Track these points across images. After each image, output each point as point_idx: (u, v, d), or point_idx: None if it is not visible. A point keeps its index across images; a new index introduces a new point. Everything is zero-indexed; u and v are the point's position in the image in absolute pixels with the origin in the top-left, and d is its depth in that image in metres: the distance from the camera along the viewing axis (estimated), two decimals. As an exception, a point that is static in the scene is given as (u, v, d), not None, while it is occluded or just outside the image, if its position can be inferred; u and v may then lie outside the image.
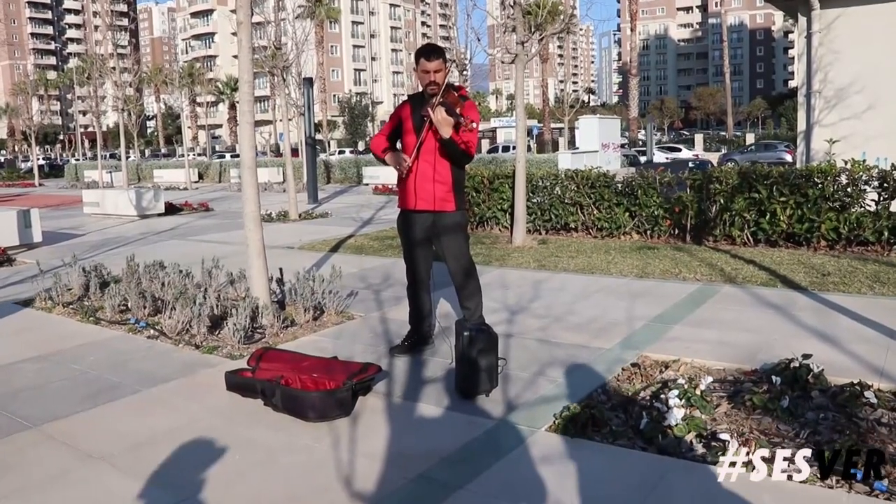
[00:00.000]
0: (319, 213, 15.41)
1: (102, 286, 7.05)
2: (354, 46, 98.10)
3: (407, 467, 3.24)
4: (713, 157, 33.62)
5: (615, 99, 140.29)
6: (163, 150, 72.80)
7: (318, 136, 27.79)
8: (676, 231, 9.63)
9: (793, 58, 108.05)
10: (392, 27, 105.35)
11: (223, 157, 46.07)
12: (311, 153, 18.90)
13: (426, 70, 4.59)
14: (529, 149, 31.84)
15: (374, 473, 3.21)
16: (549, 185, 10.52)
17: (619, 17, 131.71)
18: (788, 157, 30.64)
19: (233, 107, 77.76)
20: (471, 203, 10.91)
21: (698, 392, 3.88)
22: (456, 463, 3.29)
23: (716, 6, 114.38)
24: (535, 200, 10.55)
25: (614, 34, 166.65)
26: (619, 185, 10.04)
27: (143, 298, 6.22)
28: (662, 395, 3.74)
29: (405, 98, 5.08)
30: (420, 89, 4.82)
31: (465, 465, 3.27)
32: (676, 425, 3.53)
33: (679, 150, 39.32)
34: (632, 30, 55.24)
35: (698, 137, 49.29)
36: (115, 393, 4.38)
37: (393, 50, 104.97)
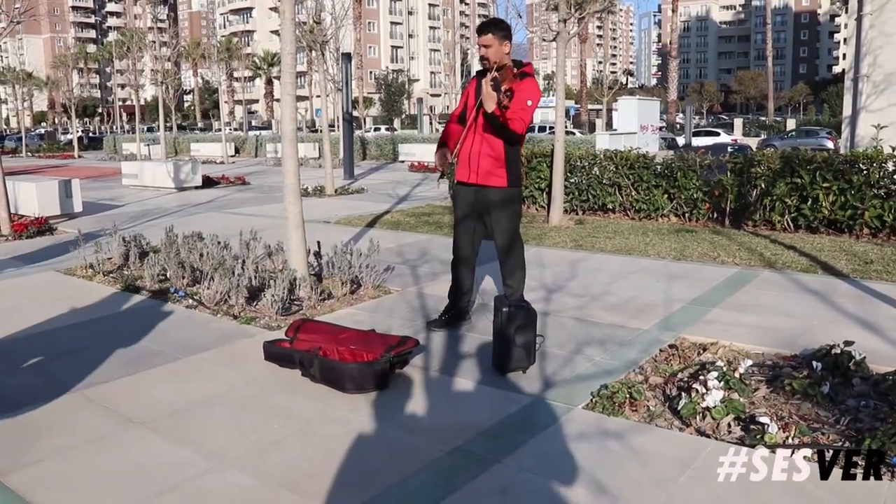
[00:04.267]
0: (355, 189, 15.45)
1: (142, 256, 7.15)
2: (392, 23, 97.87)
3: (444, 440, 3.26)
4: (752, 143, 33.10)
5: (653, 81, 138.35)
6: (199, 125, 73.37)
7: (355, 113, 27.84)
8: (715, 214, 9.50)
9: (838, 42, 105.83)
10: (430, 4, 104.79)
11: (259, 132, 46.38)
12: (349, 129, 18.94)
13: (479, 45, 4.60)
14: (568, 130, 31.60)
15: (411, 445, 3.23)
16: (588, 165, 10.44)
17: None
18: (830, 144, 30.04)
19: (269, 82, 78.09)
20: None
21: (737, 375, 3.83)
22: (493, 437, 3.30)
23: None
24: (572, 180, 10.47)
25: (655, 15, 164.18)
26: (659, 167, 9.92)
27: (182, 269, 6.29)
28: (701, 377, 3.70)
29: (473, 74, 5.09)
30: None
31: (502, 439, 3.28)
32: (715, 407, 3.50)
33: (718, 133, 38.74)
34: (673, 11, 54.41)
35: (737, 122, 48.53)
36: (154, 360, 4.44)
37: (431, 27, 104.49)
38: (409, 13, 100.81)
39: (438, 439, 3.27)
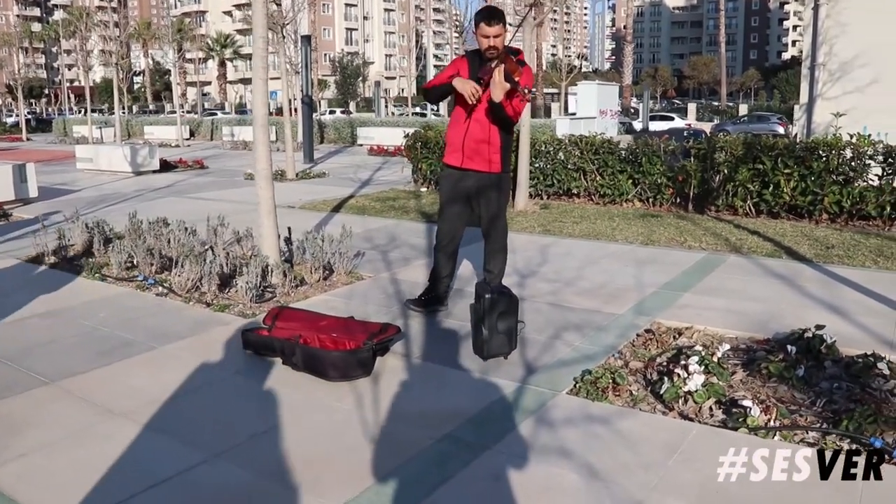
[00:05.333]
0: (317, 173, 15.29)
1: (105, 242, 7.00)
2: (347, 5, 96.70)
3: (433, 427, 3.26)
4: (706, 127, 33.57)
5: (607, 65, 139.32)
6: (151, 107, 71.88)
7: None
8: (678, 200, 9.64)
9: (787, 29, 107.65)
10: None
11: (214, 114, 45.52)
12: (308, 112, 18.71)
13: (486, 35, 4.51)
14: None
15: (400, 433, 3.23)
16: (553, 150, 10.49)
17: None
18: (781, 129, 30.61)
19: (223, 63, 76.82)
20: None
21: (715, 359, 3.90)
22: (481, 424, 3.31)
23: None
24: (537, 165, 10.51)
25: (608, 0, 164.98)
26: (623, 152, 10.01)
27: (151, 255, 6.17)
28: (683, 362, 3.76)
29: (462, 54, 5.06)
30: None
31: (490, 426, 3.30)
32: (696, 391, 3.56)
33: (672, 118, 39.20)
34: (628, -4, 54.76)
35: (691, 107, 49.13)
36: (129, 350, 4.35)
37: (386, 10, 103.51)
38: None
39: (427, 427, 3.27)
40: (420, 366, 4.08)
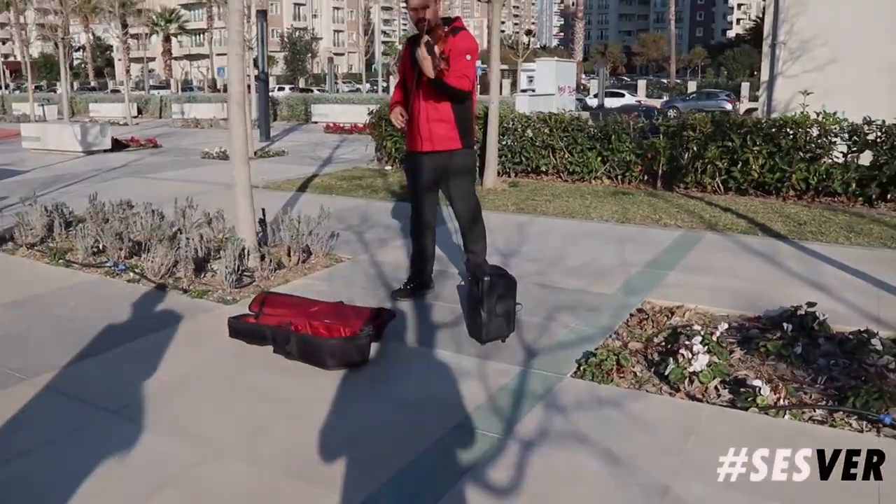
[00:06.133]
0: (275, 152, 14.95)
1: (66, 226, 6.72)
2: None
3: (443, 415, 3.17)
4: (656, 104, 33.91)
5: (555, 42, 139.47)
6: (93, 84, 69.63)
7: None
8: (646, 177, 9.64)
9: (732, 7, 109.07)
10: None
11: (159, 91, 44.34)
12: (264, 89, 18.29)
13: (413, 8, 4.40)
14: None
15: (411, 422, 3.12)
16: (521, 127, 10.39)
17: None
18: (729, 106, 31.14)
19: (167, 39, 74.87)
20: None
21: (714, 339, 3.88)
22: (491, 411, 3.23)
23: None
24: (504, 143, 10.41)
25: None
26: (593, 130, 9.97)
27: (120, 240, 5.92)
28: (685, 342, 3.72)
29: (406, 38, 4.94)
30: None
31: (501, 412, 3.21)
32: (702, 371, 3.53)
33: (622, 95, 39.48)
34: (578, -29, 54.65)
35: (641, 83, 49.49)
36: (109, 340, 4.14)
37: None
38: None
39: (437, 415, 3.18)
40: (417, 351, 3.98)
